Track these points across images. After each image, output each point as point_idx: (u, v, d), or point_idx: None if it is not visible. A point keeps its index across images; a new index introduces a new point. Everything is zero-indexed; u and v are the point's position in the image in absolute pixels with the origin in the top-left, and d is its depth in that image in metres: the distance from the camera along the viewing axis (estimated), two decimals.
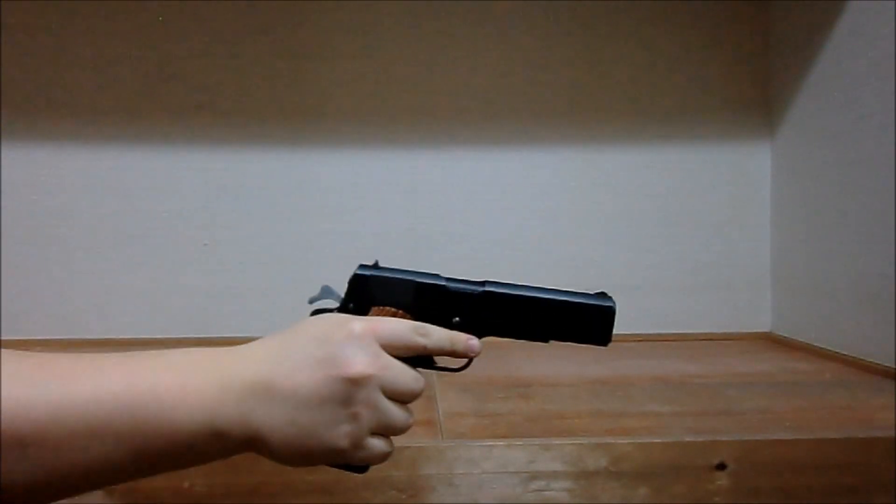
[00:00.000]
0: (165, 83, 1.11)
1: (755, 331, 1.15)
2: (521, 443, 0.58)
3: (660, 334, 1.14)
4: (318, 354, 0.44)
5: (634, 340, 1.11)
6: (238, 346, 0.44)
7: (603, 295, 0.54)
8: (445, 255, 1.13)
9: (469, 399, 0.74)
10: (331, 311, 0.50)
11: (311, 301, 0.52)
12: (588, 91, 1.15)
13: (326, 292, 0.53)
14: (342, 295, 0.52)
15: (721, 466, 0.57)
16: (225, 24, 1.11)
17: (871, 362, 0.88)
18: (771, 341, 1.12)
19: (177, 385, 0.41)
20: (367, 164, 1.13)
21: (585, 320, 0.53)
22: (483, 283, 0.53)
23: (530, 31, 1.14)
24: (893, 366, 0.84)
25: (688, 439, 0.58)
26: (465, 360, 0.52)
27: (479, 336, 0.53)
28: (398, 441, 0.53)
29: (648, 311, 1.15)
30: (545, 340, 0.54)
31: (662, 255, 1.15)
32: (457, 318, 0.52)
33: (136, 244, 1.10)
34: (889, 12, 0.85)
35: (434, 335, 0.49)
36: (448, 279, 0.52)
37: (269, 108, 1.12)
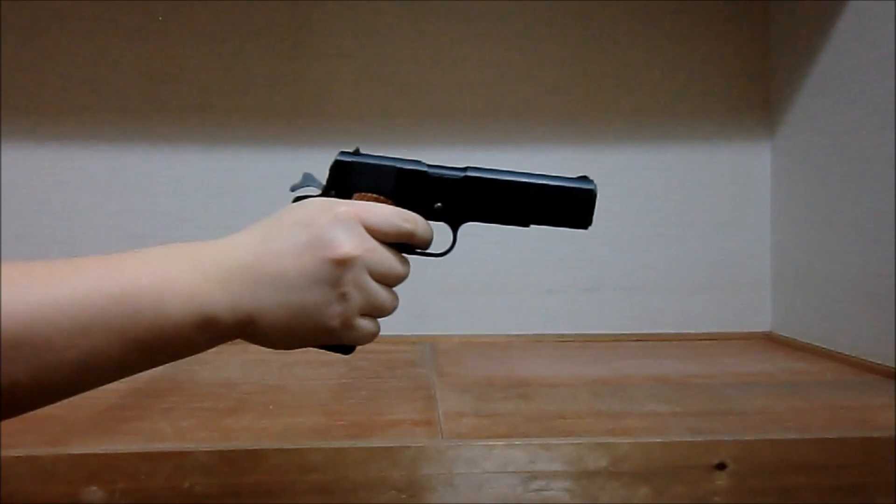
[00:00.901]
0: (165, 83, 1.11)
1: (755, 331, 1.15)
2: (521, 443, 0.58)
3: (660, 334, 1.14)
4: (304, 238, 0.44)
5: (634, 340, 1.11)
6: (220, 238, 0.45)
7: (584, 178, 0.54)
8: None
9: (469, 399, 0.74)
10: (313, 197, 0.50)
11: (294, 188, 0.52)
12: (588, 91, 1.15)
13: (308, 179, 0.53)
14: (324, 182, 0.52)
15: (721, 466, 0.57)
16: (225, 24, 1.11)
17: (871, 362, 0.88)
18: (771, 341, 1.12)
19: (160, 276, 0.41)
20: None
21: (566, 203, 0.54)
22: (465, 169, 0.53)
23: (530, 31, 1.14)
24: (893, 366, 0.84)
25: (688, 439, 0.58)
26: (449, 246, 0.53)
27: (462, 222, 0.53)
28: (398, 441, 0.53)
29: (648, 311, 1.15)
30: (526, 225, 0.55)
31: (662, 255, 1.15)
32: (439, 204, 0.53)
33: (136, 244, 1.08)
34: (889, 12, 0.85)
35: (419, 221, 0.50)
36: (429, 165, 0.53)
37: (269, 108, 1.12)
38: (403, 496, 0.56)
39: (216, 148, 1.12)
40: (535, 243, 1.14)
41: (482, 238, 1.13)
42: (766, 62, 1.15)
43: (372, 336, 0.48)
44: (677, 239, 1.16)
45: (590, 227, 0.54)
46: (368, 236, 0.46)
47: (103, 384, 0.41)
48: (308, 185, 0.52)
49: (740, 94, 1.15)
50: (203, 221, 1.11)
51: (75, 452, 0.55)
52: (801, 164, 1.07)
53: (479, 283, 1.14)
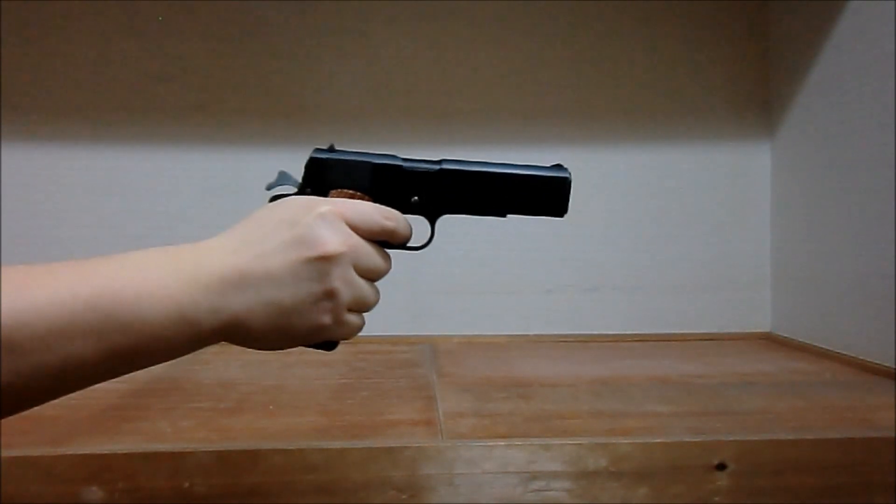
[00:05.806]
0: (165, 83, 1.11)
1: (755, 331, 1.15)
2: (521, 443, 0.58)
3: (660, 334, 1.14)
4: (289, 237, 0.44)
5: (634, 340, 1.11)
6: (200, 241, 0.45)
7: (558, 166, 0.55)
8: (445, 254, 1.13)
9: (469, 399, 0.74)
10: (289, 196, 0.50)
11: (269, 187, 0.52)
12: (588, 91, 1.15)
13: (283, 178, 0.53)
14: (299, 180, 0.51)
15: (721, 466, 0.57)
16: (224, 24, 1.11)
17: (871, 362, 0.88)
18: (771, 341, 1.12)
19: (138, 280, 0.41)
20: None
21: (541, 192, 0.54)
22: (440, 161, 0.53)
23: (530, 31, 1.14)
24: (893, 366, 0.84)
25: (688, 439, 0.58)
26: (426, 239, 0.54)
27: (439, 214, 0.53)
28: (398, 441, 0.53)
29: (648, 311, 1.15)
30: (503, 215, 0.55)
31: (662, 255, 1.15)
32: (415, 198, 0.52)
33: (136, 244, 1.08)
34: (889, 12, 0.85)
35: (399, 218, 0.50)
36: (404, 159, 0.52)
37: (268, 108, 1.12)
38: (403, 496, 0.56)
39: (216, 148, 1.12)
40: (534, 243, 1.14)
41: (482, 238, 1.13)
42: (766, 62, 1.15)
43: (359, 329, 0.48)
44: (677, 239, 1.16)
45: (565, 216, 0.54)
46: (352, 233, 0.46)
47: (83, 388, 0.41)
48: (284, 184, 0.52)
49: (740, 94, 1.15)
50: (203, 221, 1.11)
51: (75, 452, 0.55)
52: (801, 164, 1.07)
53: (479, 283, 1.14)
